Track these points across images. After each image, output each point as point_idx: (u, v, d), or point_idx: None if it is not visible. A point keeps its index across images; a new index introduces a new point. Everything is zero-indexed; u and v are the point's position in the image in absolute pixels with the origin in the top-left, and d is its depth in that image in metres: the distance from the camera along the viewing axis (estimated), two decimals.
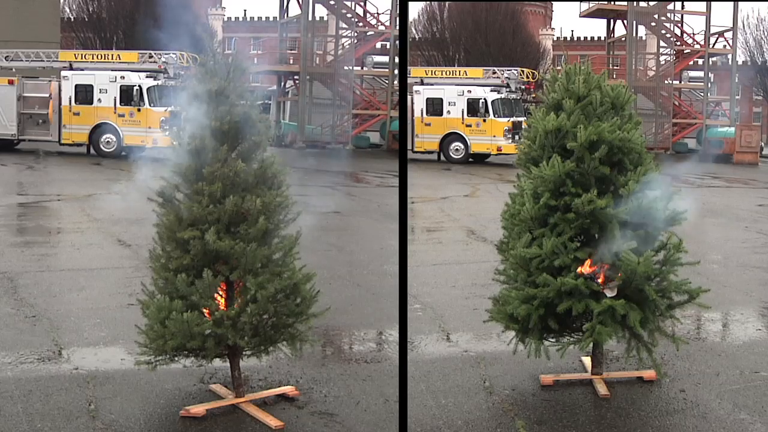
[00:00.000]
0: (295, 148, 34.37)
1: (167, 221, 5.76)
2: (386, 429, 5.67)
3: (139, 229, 11.70)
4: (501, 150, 30.15)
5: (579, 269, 6.16)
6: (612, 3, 41.50)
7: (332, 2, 38.13)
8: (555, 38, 77.02)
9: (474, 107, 30.94)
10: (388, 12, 38.75)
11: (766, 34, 53.87)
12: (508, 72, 32.81)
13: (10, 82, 29.61)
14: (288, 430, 5.60)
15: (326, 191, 19.53)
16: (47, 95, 29.61)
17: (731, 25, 40.44)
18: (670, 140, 38.45)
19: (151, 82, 27.94)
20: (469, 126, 31.03)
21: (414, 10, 58.56)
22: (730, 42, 41.44)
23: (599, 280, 6.16)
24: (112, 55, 31.00)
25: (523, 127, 27.41)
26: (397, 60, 36.84)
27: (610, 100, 6.32)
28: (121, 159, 26.28)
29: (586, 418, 5.89)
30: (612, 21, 43.34)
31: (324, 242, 12.45)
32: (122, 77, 28.28)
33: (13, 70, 30.64)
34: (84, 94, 28.67)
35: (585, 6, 41.99)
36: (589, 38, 76.16)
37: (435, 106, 31.82)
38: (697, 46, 40.26)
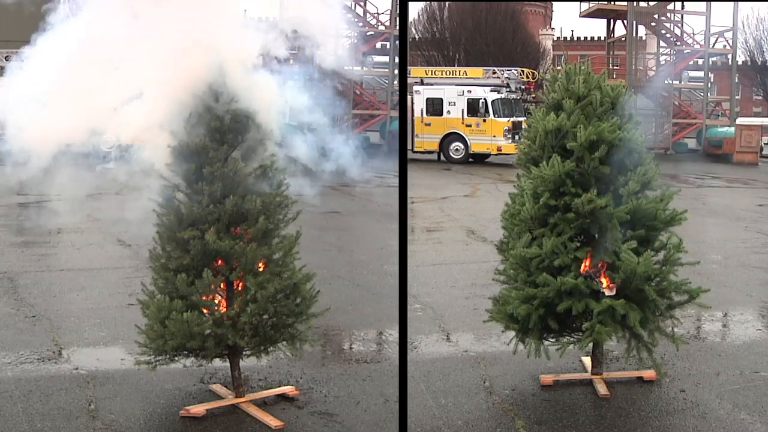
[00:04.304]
0: None
1: (167, 221, 5.76)
2: (386, 429, 5.67)
3: (139, 229, 11.68)
4: (501, 150, 30.15)
5: (582, 268, 6.16)
6: (612, 3, 41.49)
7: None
8: (555, 38, 76.99)
9: (474, 107, 30.94)
10: (388, 12, 38.75)
11: (766, 34, 53.90)
12: (508, 72, 32.83)
13: None
14: (288, 430, 5.60)
15: (326, 191, 19.51)
16: None
17: (731, 25, 40.45)
18: (670, 140, 38.46)
19: None
20: (469, 126, 31.04)
21: (414, 10, 58.56)
22: (730, 42, 41.45)
23: (603, 283, 6.16)
24: None
25: (523, 127, 27.29)
26: (397, 60, 36.83)
27: (610, 100, 6.33)
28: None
29: (586, 418, 5.89)
30: (612, 21, 43.33)
31: (324, 242, 12.45)
32: None
33: None
34: None
35: (585, 6, 41.99)
36: (589, 38, 76.12)
37: (435, 106, 31.82)
38: (697, 46, 40.26)
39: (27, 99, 5.61)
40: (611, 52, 43.64)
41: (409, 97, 31.97)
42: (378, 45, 41.02)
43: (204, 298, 5.66)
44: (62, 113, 5.51)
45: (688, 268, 6.38)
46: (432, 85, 32.67)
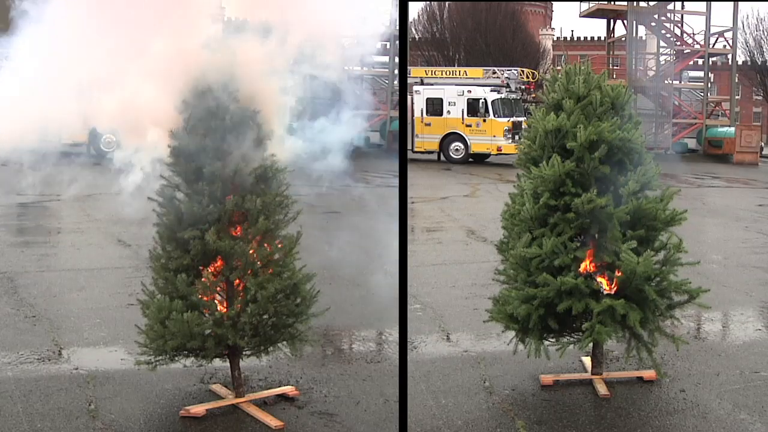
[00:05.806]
0: None
1: (167, 221, 5.76)
2: (386, 429, 5.67)
3: (139, 229, 11.69)
4: (501, 150, 30.16)
5: (582, 268, 6.16)
6: (612, 3, 41.50)
7: None
8: (555, 38, 77.05)
9: (474, 107, 30.95)
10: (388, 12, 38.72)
11: (766, 34, 53.85)
12: (508, 72, 32.85)
13: None
14: (288, 430, 5.60)
15: (326, 190, 19.50)
16: None
17: (731, 25, 40.45)
18: (670, 140, 38.47)
19: None
20: (469, 126, 31.04)
21: (414, 10, 58.56)
22: (730, 42, 41.45)
23: (602, 283, 6.16)
24: None
25: (523, 127, 27.31)
26: (397, 60, 36.81)
27: (610, 100, 6.33)
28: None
29: (586, 418, 5.89)
30: (612, 21, 43.33)
31: (324, 242, 12.44)
32: None
33: None
34: None
35: (585, 6, 41.99)
36: (589, 38, 76.16)
37: (435, 106, 31.83)
38: (697, 46, 40.26)
39: (13, 92, 5.48)
40: (611, 52, 43.65)
41: (409, 97, 31.96)
42: (378, 45, 41.02)
43: (204, 298, 5.67)
44: (55, 108, 5.41)
45: (688, 268, 6.38)
46: (432, 85, 32.68)
